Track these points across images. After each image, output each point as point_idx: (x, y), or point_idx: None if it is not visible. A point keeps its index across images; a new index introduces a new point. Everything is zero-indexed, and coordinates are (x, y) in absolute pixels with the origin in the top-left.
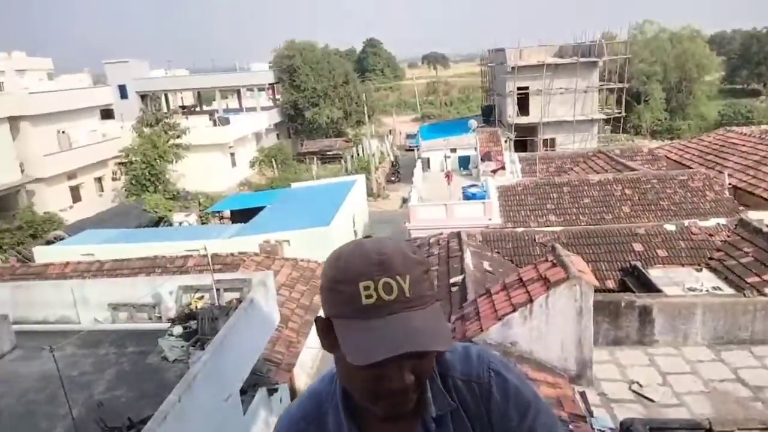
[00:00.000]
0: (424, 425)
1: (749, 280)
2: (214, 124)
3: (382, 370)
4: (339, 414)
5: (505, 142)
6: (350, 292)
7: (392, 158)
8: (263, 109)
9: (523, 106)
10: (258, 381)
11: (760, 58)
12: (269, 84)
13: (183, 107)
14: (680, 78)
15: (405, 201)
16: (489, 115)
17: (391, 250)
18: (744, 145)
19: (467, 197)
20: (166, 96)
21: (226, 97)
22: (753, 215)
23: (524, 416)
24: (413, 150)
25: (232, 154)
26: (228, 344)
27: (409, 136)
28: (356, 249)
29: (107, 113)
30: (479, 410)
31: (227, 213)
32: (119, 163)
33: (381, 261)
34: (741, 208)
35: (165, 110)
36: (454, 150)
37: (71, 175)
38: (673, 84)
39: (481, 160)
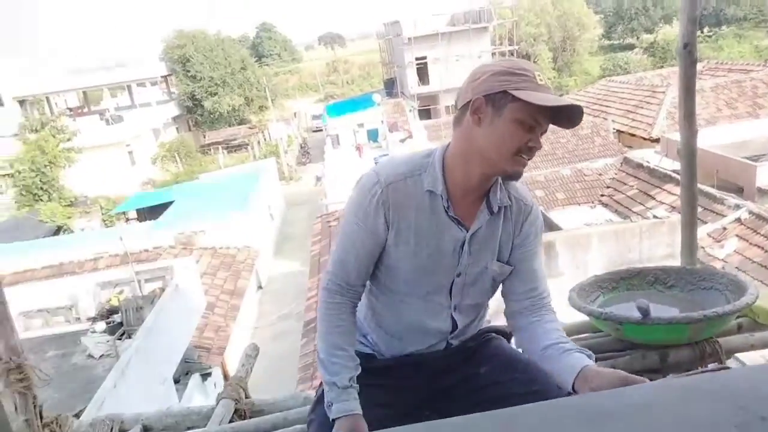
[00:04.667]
0: (488, 206)
1: (635, 209)
2: (107, 123)
3: (533, 132)
4: (435, 176)
5: (410, 111)
6: (531, 75)
7: (300, 140)
8: (158, 103)
9: (423, 76)
10: (189, 368)
11: (632, 14)
12: (162, 76)
13: (70, 109)
14: (564, 37)
15: (319, 179)
16: (392, 88)
17: None
18: (623, 93)
19: None
20: (47, 99)
21: (116, 95)
22: (635, 154)
23: (535, 240)
24: (321, 130)
25: (130, 153)
26: (158, 328)
27: (315, 117)
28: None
29: None
30: (517, 221)
31: (133, 213)
32: (1, 175)
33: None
34: (625, 148)
35: (50, 114)
36: (361, 125)
37: None
38: (557, 43)
39: (389, 131)
